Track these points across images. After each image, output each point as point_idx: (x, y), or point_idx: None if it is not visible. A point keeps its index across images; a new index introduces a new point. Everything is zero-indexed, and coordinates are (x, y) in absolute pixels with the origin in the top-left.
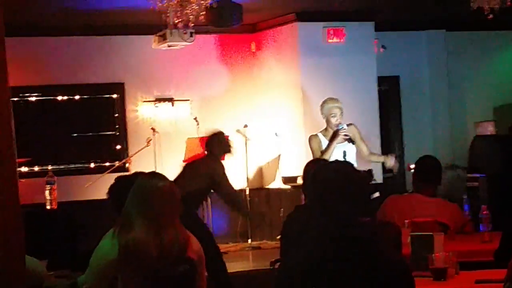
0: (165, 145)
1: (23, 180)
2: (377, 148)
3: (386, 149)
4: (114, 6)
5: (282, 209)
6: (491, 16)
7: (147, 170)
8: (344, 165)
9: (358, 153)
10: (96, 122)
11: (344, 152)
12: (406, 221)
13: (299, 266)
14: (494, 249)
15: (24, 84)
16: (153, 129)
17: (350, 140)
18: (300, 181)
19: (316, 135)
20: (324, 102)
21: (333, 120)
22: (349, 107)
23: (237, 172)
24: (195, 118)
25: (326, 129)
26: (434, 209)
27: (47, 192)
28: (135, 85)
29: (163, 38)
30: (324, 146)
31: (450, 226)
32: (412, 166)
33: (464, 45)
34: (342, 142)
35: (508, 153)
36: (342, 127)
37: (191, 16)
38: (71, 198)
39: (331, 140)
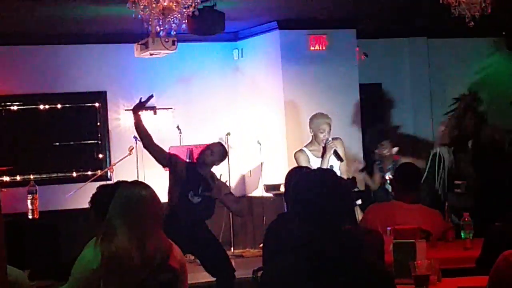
0: (147, 154)
1: (4, 190)
2: (359, 156)
3: (368, 156)
4: (96, 14)
5: (264, 217)
6: (472, 23)
7: (129, 179)
8: (326, 173)
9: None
10: (78, 131)
11: (331, 167)
12: (388, 228)
13: (282, 275)
14: (476, 256)
15: (5, 93)
16: (135, 137)
17: (339, 157)
18: (282, 189)
19: (303, 150)
20: (314, 117)
21: (321, 136)
22: (331, 115)
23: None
24: (177, 127)
25: (311, 143)
26: (415, 216)
27: (29, 202)
28: (117, 94)
29: (145, 46)
30: (311, 161)
31: (432, 233)
32: (387, 177)
33: (446, 52)
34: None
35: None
36: (330, 141)
37: (173, 24)
38: (53, 207)
39: (323, 155)
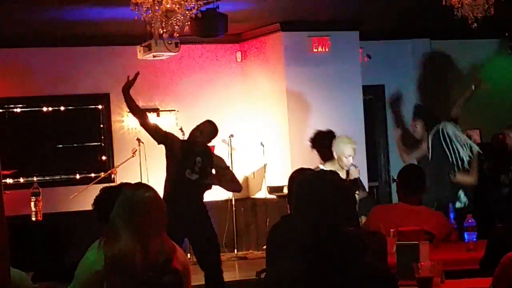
0: (150, 156)
1: (8, 192)
2: (363, 158)
3: (371, 159)
4: (99, 17)
5: (268, 219)
6: (475, 25)
7: (132, 181)
8: (329, 175)
9: None
10: (81, 133)
11: None
12: (392, 230)
13: (285, 276)
14: (479, 258)
15: (8, 96)
16: (138, 139)
17: (358, 187)
18: (286, 190)
19: (319, 168)
20: (340, 141)
21: (345, 161)
22: (334, 117)
23: None
24: (180, 129)
25: (331, 162)
26: (419, 218)
27: (32, 204)
28: (121, 96)
29: (149, 48)
30: None
31: (435, 235)
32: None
33: (449, 54)
34: None
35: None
36: (354, 168)
37: (176, 26)
38: (56, 210)
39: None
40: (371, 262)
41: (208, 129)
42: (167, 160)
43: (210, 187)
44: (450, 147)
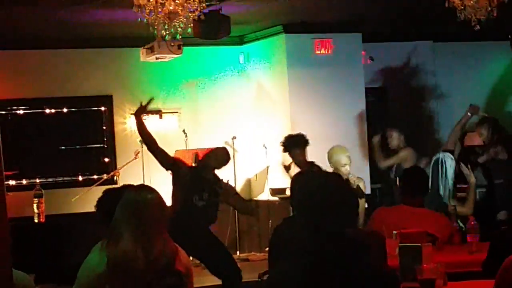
0: (153, 158)
1: (10, 194)
2: (365, 159)
3: (374, 160)
4: (102, 19)
5: (270, 221)
6: (478, 27)
7: (135, 183)
8: (332, 177)
9: None
10: (84, 135)
11: None
12: (395, 232)
13: (287, 278)
14: (481, 260)
15: (11, 97)
16: (141, 141)
17: (361, 194)
18: (288, 192)
19: None
20: (333, 152)
21: (343, 170)
22: (337, 119)
23: None
24: (183, 130)
25: None
26: (422, 220)
27: (35, 205)
28: (123, 98)
29: (151, 50)
30: None
31: (438, 237)
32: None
33: (451, 56)
34: None
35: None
36: (352, 175)
37: (179, 29)
38: (59, 211)
39: None
40: (373, 264)
41: (223, 155)
42: (173, 186)
43: (216, 215)
44: (443, 181)
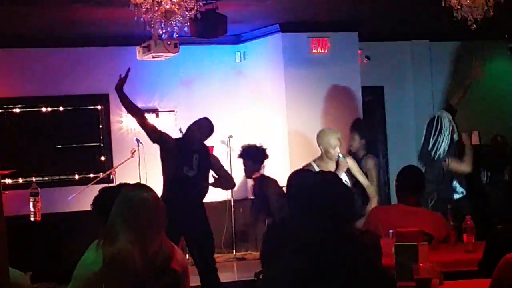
0: (149, 157)
1: (7, 192)
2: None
3: None
4: (98, 17)
5: (266, 220)
6: (474, 26)
7: (131, 182)
8: (328, 175)
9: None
10: (80, 134)
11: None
12: (391, 231)
13: (284, 277)
14: (478, 259)
15: (7, 96)
16: (137, 140)
17: (351, 176)
18: (284, 191)
19: (311, 164)
20: (323, 133)
21: (333, 152)
22: (334, 118)
23: None
24: (180, 129)
25: (320, 158)
26: (418, 219)
27: (31, 204)
28: None
29: (148, 49)
30: None
31: (434, 236)
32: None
33: (448, 55)
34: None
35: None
36: (342, 158)
37: (175, 27)
38: (55, 210)
39: (336, 170)
40: (371, 263)
41: (206, 126)
42: (162, 161)
43: (207, 188)
44: (436, 136)
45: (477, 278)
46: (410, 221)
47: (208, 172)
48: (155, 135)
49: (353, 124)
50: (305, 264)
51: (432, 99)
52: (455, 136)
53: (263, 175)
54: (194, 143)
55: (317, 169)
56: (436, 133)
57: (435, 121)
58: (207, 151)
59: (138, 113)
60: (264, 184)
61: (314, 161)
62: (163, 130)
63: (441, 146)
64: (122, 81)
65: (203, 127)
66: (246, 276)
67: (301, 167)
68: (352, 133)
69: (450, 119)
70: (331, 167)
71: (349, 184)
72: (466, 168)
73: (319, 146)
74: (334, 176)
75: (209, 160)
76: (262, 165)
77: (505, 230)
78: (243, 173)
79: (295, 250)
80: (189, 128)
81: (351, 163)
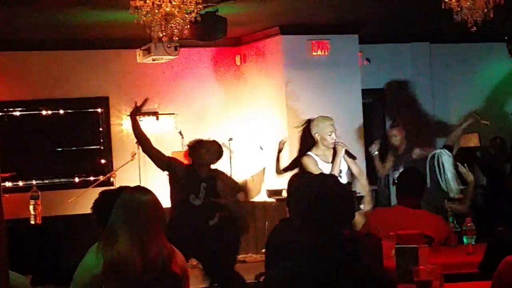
0: (149, 159)
1: (7, 195)
2: (362, 161)
3: (370, 162)
4: (98, 20)
5: (267, 222)
6: (474, 28)
7: (132, 184)
8: (329, 178)
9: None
10: (80, 136)
11: (340, 171)
12: (391, 233)
13: (284, 280)
14: (478, 261)
15: (8, 99)
16: (137, 143)
17: (351, 155)
18: (285, 194)
19: (309, 155)
20: (317, 121)
21: (329, 138)
22: (334, 120)
23: None
24: (179, 132)
25: (316, 147)
26: (418, 221)
27: (31, 207)
28: (120, 99)
29: (148, 51)
30: (320, 166)
31: (434, 238)
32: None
33: (448, 57)
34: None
35: (490, 164)
36: (339, 142)
37: (175, 30)
38: (55, 213)
39: (334, 158)
40: (371, 267)
41: (214, 148)
42: (170, 185)
43: (215, 213)
44: (443, 177)
45: (477, 281)
46: (410, 223)
47: (217, 199)
48: (163, 164)
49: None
50: (305, 266)
51: (433, 101)
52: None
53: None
54: (202, 170)
55: (316, 158)
56: (442, 174)
57: (435, 162)
58: (216, 178)
59: (147, 143)
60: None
61: (311, 151)
62: (171, 156)
63: (451, 185)
64: (137, 109)
65: (212, 151)
66: (247, 279)
67: (301, 159)
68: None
69: (449, 154)
70: (328, 154)
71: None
72: (464, 210)
73: (314, 134)
74: (333, 178)
75: (216, 189)
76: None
77: (506, 232)
78: (243, 176)
79: (296, 253)
80: (197, 152)
81: (342, 149)
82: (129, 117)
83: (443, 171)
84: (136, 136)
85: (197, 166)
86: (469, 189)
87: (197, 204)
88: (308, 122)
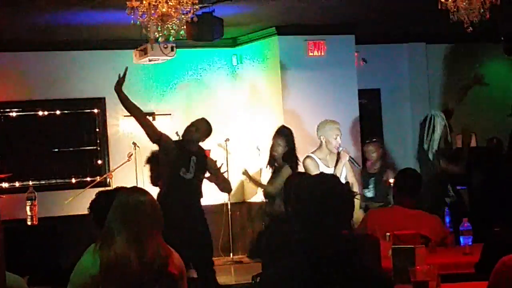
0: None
1: (3, 196)
2: (358, 162)
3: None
4: (95, 21)
5: (263, 223)
6: (470, 28)
7: (128, 185)
8: (328, 178)
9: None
10: (77, 137)
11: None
12: (388, 234)
13: (282, 280)
14: (475, 262)
15: (4, 100)
16: (134, 143)
17: (355, 163)
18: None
19: (311, 157)
20: (325, 123)
21: (335, 142)
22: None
23: None
24: (176, 133)
25: (320, 150)
26: (415, 221)
27: (28, 208)
28: (116, 100)
29: (144, 52)
30: (321, 169)
31: (431, 239)
32: (391, 180)
33: (445, 58)
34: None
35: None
36: (343, 148)
37: (172, 31)
38: (52, 214)
39: (336, 164)
40: (369, 267)
41: (204, 127)
42: (160, 162)
43: (201, 191)
44: (430, 136)
45: (474, 281)
46: (407, 224)
47: (204, 175)
48: (155, 136)
49: (277, 130)
50: (303, 267)
51: (429, 102)
52: (449, 138)
53: None
54: (192, 145)
55: (318, 161)
56: (430, 133)
57: (427, 121)
58: (204, 154)
59: (139, 114)
60: None
61: (313, 152)
62: (162, 132)
63: (434, 146)
64: (121, 81)
65: (201, 128)
66: (243, 280)
67: (301, 159)
68: (276, 139)
69: (443, 118)
70: (331, 158)
71: (350, 178)
72: (460, 170)
73: (319, 137)
74: (333, 178)
75: (205, 163)
76: None
77: (502, 232)
78: (240, 176)
79: (294, 253)
80: (187, 129)
81: (346, 155)
82: (126, 118)
83: (432, 131)
84: (126, 108)
85: (186, 142)
86: (464, 151)
87: (188, 177)
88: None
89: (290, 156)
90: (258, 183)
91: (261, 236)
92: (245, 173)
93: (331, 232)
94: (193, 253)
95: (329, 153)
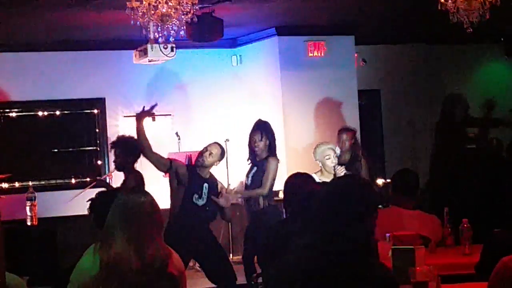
0: (146, 160)
1: (3, 196)
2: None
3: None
4: (94, 21)
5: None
6: (470, 29)
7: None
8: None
9: None
10: (77, 138)
11: None
12: (387, 235)
13: (284, 279)
14: (475, 262)
15: (4, 100)
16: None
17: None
18: (281, 195)
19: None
20: (317, 147)
21: (329, 163)
22: (330, 121)
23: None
24: (176, 133)
25: (320, 172)
26: (414, 222)
27: (27, 208)
28: (116, 100)
29: (144, 53)
30: None
31: (431, 239)
32: (386, 181)
33: (445, 58)
34: None
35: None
36: (338, 167)
37: (172, 31)
38: (52, 214)
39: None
40: (374, 266)
41: (217, 149)
42: (171, 186)
43: (216, 213)
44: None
45: (474, 281)
46: (406, 224)
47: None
48: (165, 167)
49: (257, 125)
50: (306, 266)
51: (429, 102)
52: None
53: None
54: (204, 171)
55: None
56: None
57: None
58: (215, 180)
59: (147, 146)
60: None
61: (316, 173)
62: (170, 158)
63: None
64: (145, 114)
65: (215, 152)
66: (243, 280)
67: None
68: (256, 134)
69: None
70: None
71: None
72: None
73: (316, 161)
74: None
75: (217, 190)
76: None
77: (502, 233)
78: (239, 177)
79: (296, 253)
80: (200, 154)
81: (364, 165)
82: (125, 118)
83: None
84: (139, 139)
85: (200, 167)
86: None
87: (200, 204)
88: None
89: (271, 149)
90: (251, 193)
91: (248, 233)
92: (234, 192)
93: (336, 231)
94: (209, 273)
95: (329, 175)
